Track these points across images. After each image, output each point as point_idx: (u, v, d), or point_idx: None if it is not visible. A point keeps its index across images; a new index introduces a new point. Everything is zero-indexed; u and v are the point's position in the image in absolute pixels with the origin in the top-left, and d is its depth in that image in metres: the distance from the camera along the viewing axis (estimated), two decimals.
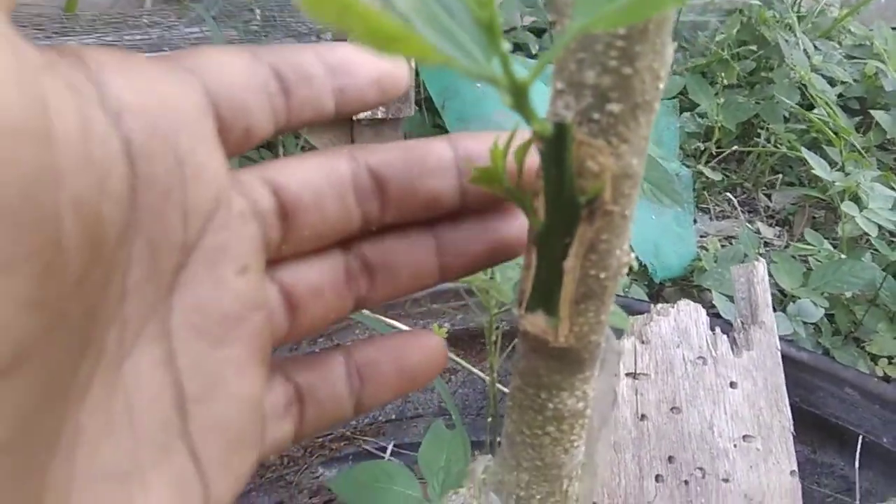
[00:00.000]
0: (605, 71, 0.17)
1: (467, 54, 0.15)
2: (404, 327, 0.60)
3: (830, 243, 1.15)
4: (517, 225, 0.25)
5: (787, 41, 1.44)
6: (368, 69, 0.23)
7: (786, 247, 1.25)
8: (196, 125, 0.19)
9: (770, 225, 1.41)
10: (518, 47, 1.53)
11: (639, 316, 0.63)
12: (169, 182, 0.18)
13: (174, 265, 0.19)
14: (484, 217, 0.25)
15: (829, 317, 0.95)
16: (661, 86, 0.18)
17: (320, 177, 0.22)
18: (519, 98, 0.15)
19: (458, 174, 0.23)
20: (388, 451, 0.79)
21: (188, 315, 0.20)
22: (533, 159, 0.19)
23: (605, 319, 0.23)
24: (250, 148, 0.22)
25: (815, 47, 1.53)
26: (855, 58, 1.59)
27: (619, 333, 0.60)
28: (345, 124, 0.91)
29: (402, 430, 0.80)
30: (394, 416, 0.79)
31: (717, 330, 0.61)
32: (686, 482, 0.53)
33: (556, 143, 0.17)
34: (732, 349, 0.61)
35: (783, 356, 0.63)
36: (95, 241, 0.16)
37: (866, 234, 0.95)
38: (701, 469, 0.54)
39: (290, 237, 0.22)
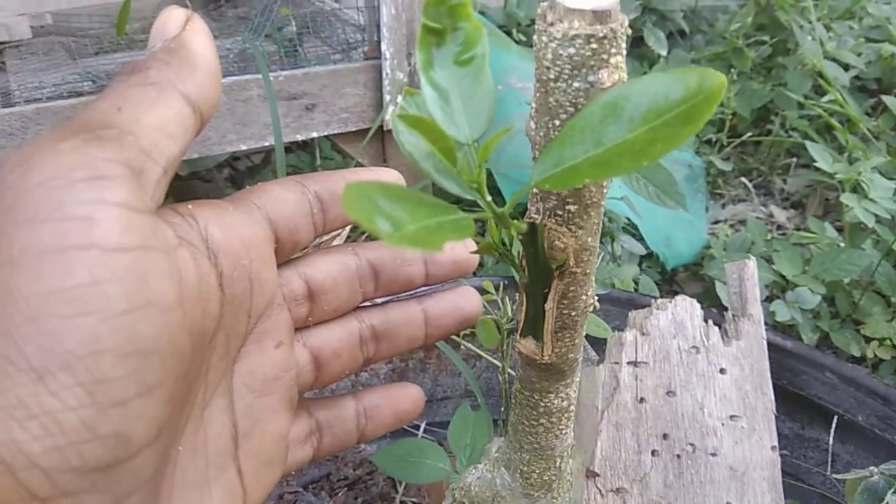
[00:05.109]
0: None
1: (468, 192, 0.23)
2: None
3: (838, 227, 1.20)
4: (475, 303, 0.34)
5: (801, 27, 1.47)
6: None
7: (796, 229, 1.30)
8: (262, 251, 0.27)
9: (784, 208, 1.46)
10: None
11: (641, 310, 0.70)
12: (243, 296, 0.27)
13: (238, 346, 0.28)
14: (455, 296, 0.33)
15: (831, 301, 1.00)
16: (605, 191, 0.26)
17: (337, 269, 0.31)
18: (501, 219, 0.23)
19: (424, 262, 0.32)
20: (421, 429, 0.86)
21: (243, 377, 0.29)
22: None
23: (578, 343, 0.31)
24: (296, 253, 0.30)
25: (830, 30, 1.55)
26: (872, 39, 1.61)
27: (621, 327, 0.67)
28: (377, 133, 1.00)
29: (432, 411, 0.87)
30: (426, 398, 0.87)
31: (710, 322, 0.68)
32: (678, 456, 0.60)
33: (531, 234, 0.25)
34: (723, 339, 0.68)
35: (771, 344, 0.70)
36: (199, 348, 0.24)
37: (866, 223, 1.00)
38: (692, 445, 0.62)
39: (315, 312, 0.31)
